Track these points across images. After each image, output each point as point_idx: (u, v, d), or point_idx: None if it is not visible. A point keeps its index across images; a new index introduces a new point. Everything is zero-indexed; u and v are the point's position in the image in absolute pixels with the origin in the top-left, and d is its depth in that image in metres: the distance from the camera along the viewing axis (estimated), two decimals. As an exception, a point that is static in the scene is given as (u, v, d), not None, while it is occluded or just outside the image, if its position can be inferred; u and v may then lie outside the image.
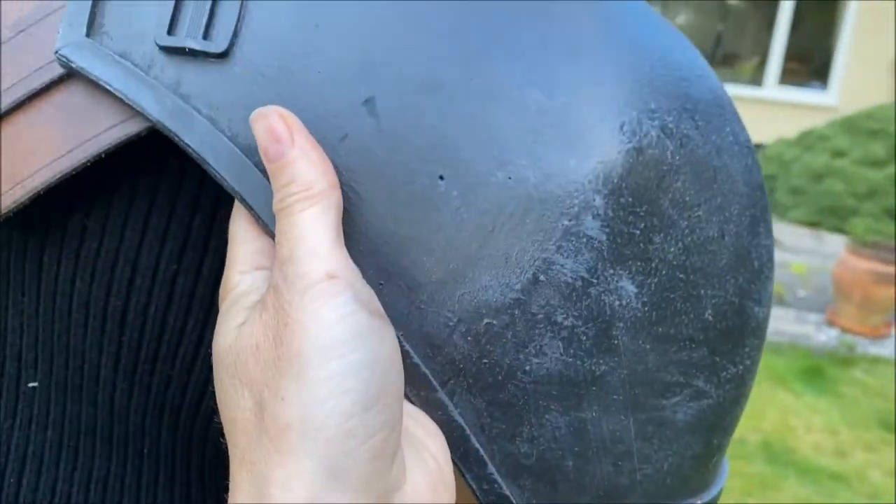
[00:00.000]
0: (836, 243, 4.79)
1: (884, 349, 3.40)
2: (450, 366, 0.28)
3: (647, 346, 0.29)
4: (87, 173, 0.29)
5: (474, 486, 0.28)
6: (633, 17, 0.30)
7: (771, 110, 6.57)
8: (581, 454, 0.29)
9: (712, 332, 0.30)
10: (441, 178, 0.27)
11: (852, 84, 6.44)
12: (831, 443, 2.63)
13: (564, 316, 0.27)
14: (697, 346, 0.30)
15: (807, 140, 5.59)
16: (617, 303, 0.28)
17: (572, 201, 0.27)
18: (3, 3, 0.29)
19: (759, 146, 6.04)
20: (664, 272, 0.28)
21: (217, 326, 0.27)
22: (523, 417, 0.28)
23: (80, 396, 0.33)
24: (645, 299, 0.28)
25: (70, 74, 0.28)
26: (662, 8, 7.46)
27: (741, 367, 0.32)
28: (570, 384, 0.28)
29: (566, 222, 0.27)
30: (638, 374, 0.29)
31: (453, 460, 0.28)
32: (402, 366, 0.26)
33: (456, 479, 0.28)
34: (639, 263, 0.28)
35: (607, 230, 0.27)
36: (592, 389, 0.28)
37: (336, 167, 0.27)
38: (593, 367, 0.28)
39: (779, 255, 4.52)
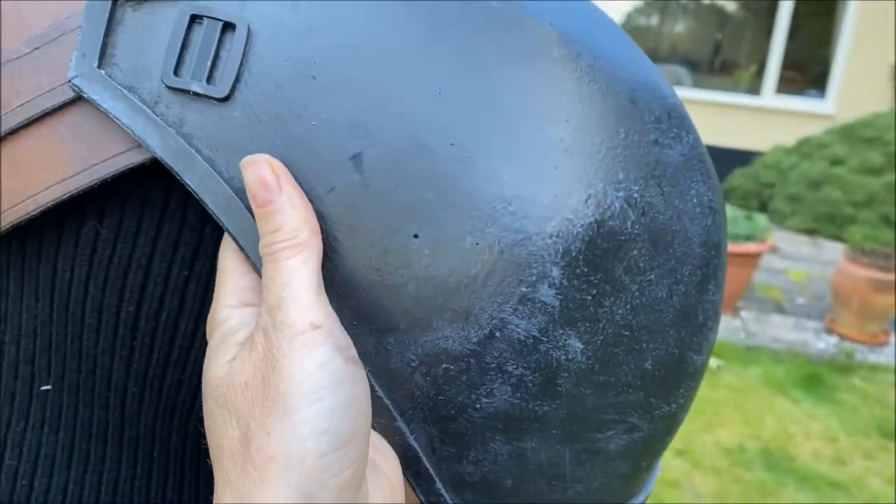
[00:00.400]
0: (834, 250, 4.80)
1: (882, 357, 3.41)
2: (409, 399, 0.31)
3: (588, 392, 0.31)
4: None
5: (423, 499, 0.33)
6: (609, 54, 0.31)
7: (769, 118, 6.59)
8: (519, 475, 0.33)
9: (650, 379, 0.33)
10: (416, 236, 0.29)
11: (850, 92, 6.46)
12: (830, 450, 2.63)
13: (515, 366, 0.30)
14: (635, 390, 0.32)
15: (805, 148, 5.61)
16: (563, 357, 0.30)
17: (531, 271, 0.29)
18: (17, 20, 0.30)
19: (756, 154, 6.06)
20: (610, 331, 0.31)
21: (207, 359, 0.29)
22: (470, 444, 0.32)
23: (92, 399, 0.34)
24: (590, 353, 0.31)
25: (82, 97, 0.30)
26: (661, 16, 7.49)
27: (674, 406, 0.35)
28: (515, 420, 0.31)
29: (524, 289, 0.29)
30: (577, 414, 0.32)
31: (406, 478, 0.32)
32: (370, 406, 0.29)
33: (407, 493, 0.32)
34: (587, 324, 0.30)
35: (561, 297, 0.30)
36: (534, 425, 0.31)
37: (322, 217, 0.29)
38: (536, 408, 0.31)
39: (777, 263, 4.53)
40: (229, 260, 0.30)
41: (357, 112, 0.29)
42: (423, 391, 0.31)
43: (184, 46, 0.30)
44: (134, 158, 0.30)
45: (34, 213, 0.30)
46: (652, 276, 0.31)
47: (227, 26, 0.30)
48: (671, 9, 7.50)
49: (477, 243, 0.29)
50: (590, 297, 0.30)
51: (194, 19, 0.30)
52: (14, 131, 0.29)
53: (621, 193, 0.30)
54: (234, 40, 0.30)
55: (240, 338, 0.29)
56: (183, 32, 0.30)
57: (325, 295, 0.29)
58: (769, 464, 2.51)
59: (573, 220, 0.29)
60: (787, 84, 6.85)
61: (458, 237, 0.29)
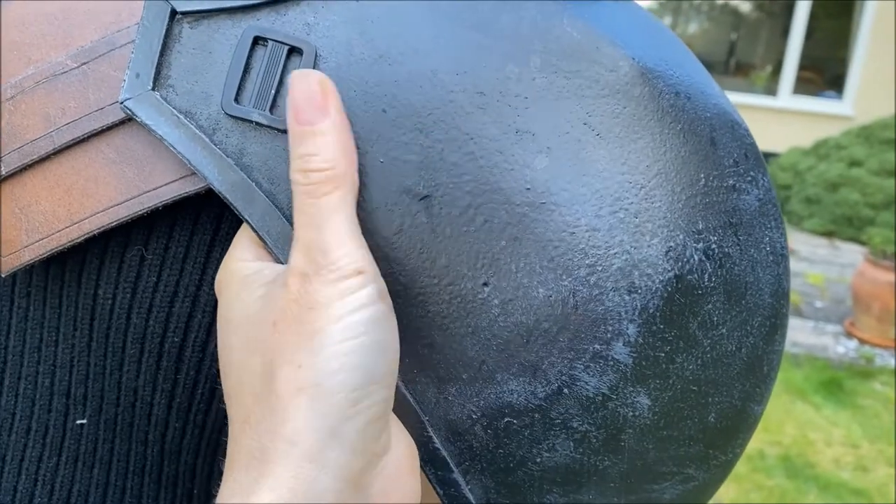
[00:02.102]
0: (852, 253, 4.76)
1: (903, 361, 3.37)
2: (468, 451, 0.30)
3: (650, 447, 0.30)
4: None
5: None
6: (689, 90, 0.30)
7: (785, 120, 6.55)
8: None
9: (711, 432, 0.32)
10: (485, 284, 0.28)
11: (868, 93, 6.41)
12: (852, 457, 2.60)
13: (580, 423, 0.29)
14: (695, 443, 0.31)
15: (822, 149, 5.57)
16: (630, 414, 0.29)
17: (606, 328, 0.28)
18: (62, 30, 0.28)
19: (773, 155, 6.02)
20: (679, 386, 0.30)
21: (229, 297, 0.28)
22: (527, 497, 0.31)
23: (130, 435, 0.32)
24: (657, 409, 0.30)
25: (132, 117, 0.28)
26: (674, 16, 7.46)
27: (731, 455, 0.34)
28: (574, 475, 0.30)
29: (597, 346, 0.28)
30: (636, 468, 0.31)
31: None
32: (398, 348, 0.28)
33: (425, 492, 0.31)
34: (658, 381, 0.29)
35: (635, 355, 0.28)
36: (593, 479, 0.30)
37: (386, 259, 0.28)
38: (597, 463, 0.30)
39: (795, 265, 4.49)
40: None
41: (429, 150, 0.27)
42: (483, 443, 0.29)
43: (245, 70, 0.28)
44: (187, 187, 0.28)
45: (77, 240, 0.28)
46: (724, 330, 0.30)
47: (293, 50, 0.28)
48: (684, 9, 7.47)
49: (550, 296, 0.28)
50: (663, 355, 0.29)
51: (257, 41, 0.28)
52: (58, 151, 0.27)
53: (700, 245, 0.29)
54: (301, 66, 0.28)
55: (266, 277, 0.28)
56: (245, 55, 0.28)
57: (362, 236, 0.27)
58: (790, 471, 2.49)
59: (652, 276, 0.28)
60: (804, 85, 6.81)
61: (530, 288, 0.28)
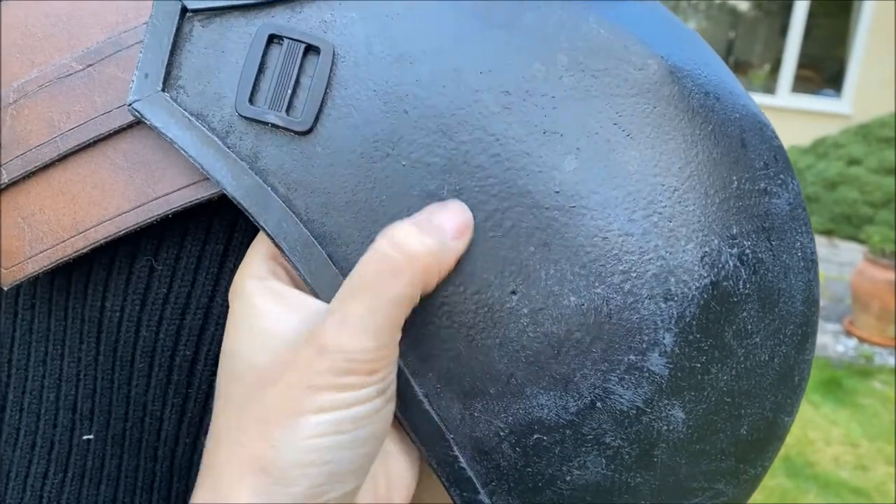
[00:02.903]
0: (851, 252, 4.76)
1: (903, 360, 3.37)
2: (494, 470, 0.28)
3: (683, 462, 0.29)
4: None
5: None
6: (717, 90, 0.29)
7: (784, 118, 6.53)
8: None
9: (743, 445, 0.31)
10: (513, 292, 0.26)
11: (866, 92, 6.40)
12: (852, 456, 2.60)
13: (613, 438, 0.28)
14: (727, 457, 0.30)
15: (820, 148, 5.56)
16: (665, 428, 0.28)
17: (642, 337, 0.27)
18: (67, 31, 0.27)
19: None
20: (713, 398, 0.29)
21: (236, 321, 0.26)
22: None
23: (139, 450, 0.31)
24: (690, 423, 0.28)
25: (140, 121, 0.27)
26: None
27: (760, 469, 0.33)
28: (605, 492, 0.29)
29: (632, 357, 0.27)
30: (668, 484, 0.29)
31: None
32: (384, 438, 0.27)
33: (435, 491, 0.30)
34: (693, 393, 0.28)
35: (671, 366, 0.27)
36: (624, 497, 0.29)
37: None
38: (629, 480, 0.29)
39: (794, 265, 4.48)
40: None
41: (453, 152, 0.26)
42: (511, 462, 0.28)
43: (260, 70, 0.27)
44: (199, 193, 0.27)
45: (83, 250, 0.27)
46: (758, 339, 0.29)
47: (310, 49, 0.27)
48: (682, 7, 7.46)
49: (582, 304, 0.26)
50: (699, 365, 0.27)
51: (272, 39, 0.27)
52: (63, 158, 0.26)
53: (735, 250, 0.27)
54: (318, 65, 0.27)
55: (273, 324, 0.26)
56: (260, 54, 0.26)
57: (401, 333, 0.26)
58: (790, 470, 2.48)
59: (689, 283, 0.27)
60: (803, 83, 6.79)
61: (561, 296, 0.26)
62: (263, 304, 0.26)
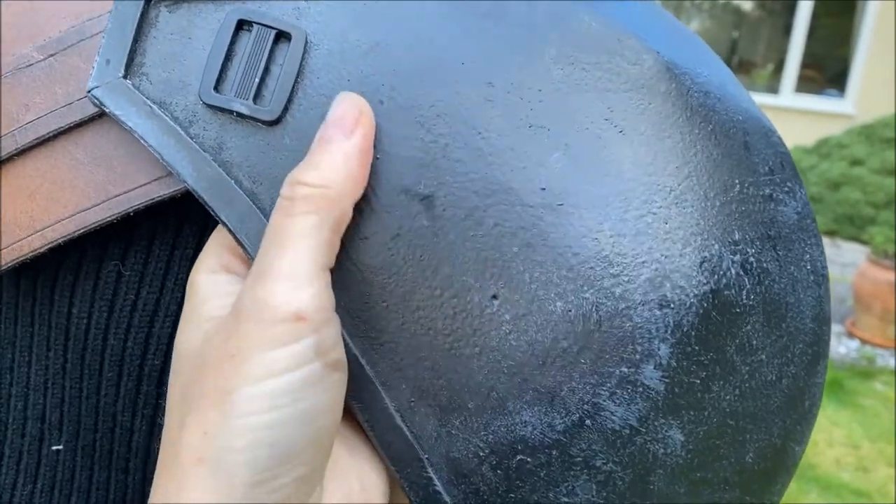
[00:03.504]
0: (854, 252, 4.74)
1: (905, 362, 3.35)
2: (473, 495, 0.26)
3: (682, 491, 0.27)
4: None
5: None
6: (718, 90, 0.27)
7: (787, 118, 6.52)
8: None
9: (748, 474, 0.28)
10: (494, 297, 0.24)
11: (869, 92, 6.38)
12: (853, 457, 2.59)
13: (604, 461, 0.25)
14: (731, 487, 0.28)
15: (824, 148, 5.54)
16: (661, 451, 0.26)
17: (635, 347, 0.24)
18: (31, 20, 0.26)
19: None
20: (715, 420, 0.26)
21: (184, 318, 0.25)
22: None
23: (109, 462, 0.30)
24: (690, 447, 0.26)
25: (102, 114, 0.25)
26: (676, 14, 7.43)
27: (768, 503, 0.30)
28: None
29: (624, 369, 0.25)
30: None
31: None
32: (339, 417, 0.24)
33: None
34: (692, 413, 0.26)
35: (667, 381, 0.25)
36: None
37: (382, 267, 0.25)
38: None
39: (796, 265, 4.47)
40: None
41: (431, 146, 0.25)
42: (492, 487, 0.26)
43: (227, 57, 0.25)
44: (162, 190, 0.25)
45: (41, 250, 0.25)
46: (763, 356, 0.26)
47: (281, 35, 0.25)
48: (686, 7, 7.44)
49: (570, 310, 0.24)
50: (698, 381, 0.25)
51: (242, 25, 0.25)
52: (21, 152, 0.25)
53: (737, 257, 0.25)
54: (289, 53, 0.25)
55: (212, 310, 0.24)
56: (228, 40, 0.25)
57: (328, 275, 0.24)
58: (791, 471, 2.47)
59: (686, 289, 0.25)
60: (806, 83, 6.77)
61: (547, 301, 0.24)
62: (211, 299, 0.24)
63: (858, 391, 3.06)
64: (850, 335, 3.58)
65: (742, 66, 7.33)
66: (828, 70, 6.89)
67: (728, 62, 7.40)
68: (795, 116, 6.55)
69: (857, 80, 6.54)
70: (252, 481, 0.22)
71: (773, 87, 6.94)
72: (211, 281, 0.25)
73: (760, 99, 6.68)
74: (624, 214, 0.25)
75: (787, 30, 6.82)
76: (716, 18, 7.55)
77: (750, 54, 7.41)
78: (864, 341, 3.50)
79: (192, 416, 0.23)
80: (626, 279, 0.24)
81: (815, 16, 6.66)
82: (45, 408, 0.30)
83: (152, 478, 0.30)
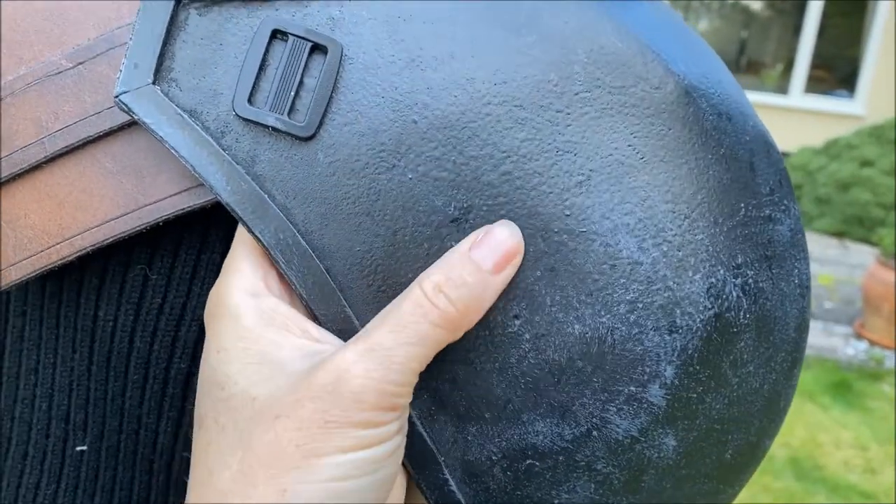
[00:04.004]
0: (863, 253, 4.72)
1: (914, 364, 3.34)
2: (483, 492, 0.28)
3: (668, 486, 0.29)
4: None
5: None
6: (729, 110, 0.28)
7: (796, 119, 6.50)
8: None
9: (725, 469, 0.30)
10: (516, 317, 0.25)
11: (880, 92, 6.35)
12: (861, 459, 2.58)
13: (605, 465, 0.27)
14: (709, 480, 0.30)
15: (833, 149, 5.52)
16: (655, 455, 0.28)
17: (644, 369, 0.26)
18: (58, 27, 0.26)
19: (784, 155, 5.97)
20: (704, 426, 0.28)
21: (225, 346, 0.24)
22: None
23: (133, 463, 0.30)
24: (680, 450, 0.28)
25: (132, 122, 0.25)
26: (685, 14, 7.41)
27: (737, 488, 0.32)
28: None
29: (633, 388, 0.26)
30: None
31: None
32: (400, 476, 0.26)
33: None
34: (686, 422, 0.28)
35: (669, 397, 0.27)
36: None
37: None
38: (615, 503, 0.28)
39: (804, 266, 4.45)
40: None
41: (462, 168, 0.25)
42: (501, 486, 0.27)
43: (261, 68, 0.25)
44: (192, 201, 0.25)
45: (69, 258, 0.25)
46: (752, 368, 0.28)
47: (316, 48, 0.25)
48: (695, 7, 7.41)
49: (586, 333, 0.25)
50: (695, 396, 0.27)
51: (276, 35, 0.25)
52: (50, 160, 0.25)
53: (739, 280, 0.27)
54: (325, 66, 0.25)
55: (276, 351, 0.24)
56: (262, 50, 0.25)
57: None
58: (798, 473, 2.46)
59: (694, 315, 0.26)
60: (816, 83, 6.75)
61: (566, 324, 0.25)
62: (259, 328, 0.24)
63: (866, 393, 3.05)
64: (859, 337, 3.56)
65: (751, 67, 7.31)
66: (838, 70, 6.86)
67: (737, 62, 7.38)
68: (805, 117, 6.53)
69: (867, 81, 6.51)
70: None
71: (782, 88, 6.91)
72: (255, 307, 0.24)
73: (769, 99, 6.67)
74: (642, 243, 0.25)
75: (796, 30, 6.79)
76: (725, 18, 7.52)
77: (759, 54, 7.39)
78: (872, 343, 3.49)
79: (263, 472, 0.22)
80: (640, 306, 0.26)
81: (826, 16, 6.63)
82: (70, 409, 0.30)
83: (177, 479, 0.30)
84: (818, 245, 4.98)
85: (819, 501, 2.33)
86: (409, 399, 0.24)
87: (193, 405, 0.29)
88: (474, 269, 0.24)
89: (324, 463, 0.22)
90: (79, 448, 0.30)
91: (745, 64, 7.35)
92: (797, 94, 6.74)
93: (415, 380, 0.24)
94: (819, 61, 6.75)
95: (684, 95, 0.26)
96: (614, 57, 0.26)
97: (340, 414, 0.22)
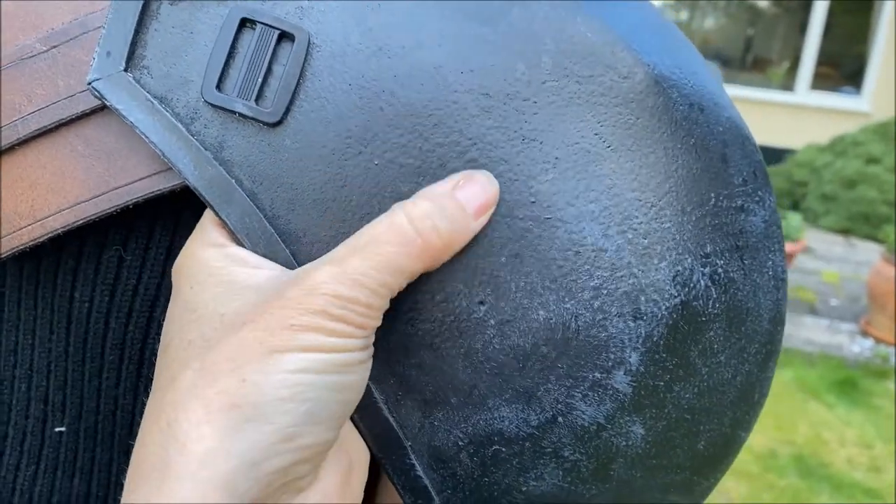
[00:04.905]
0: (869, 251, 4.71)
1: (919, 361, 3.33)
2: (450, 478, 0.28)
3: (638, 475, 0.29)
4: None
5: None
6: (702, 100, 0.28)
7: (802, 116, 6.48)
8: None
9: (699, 460, 0.30)
10: (482, 303, 0.26)
11: (886, 89, 6.33)
12: (866, 457, 2.57)
13: (572, 452, 0.27)
14: (682, 471, 0.30)
15: (839, 146, 5.51)
16: (623, 443, 0.28)
17: (608, 355, 0.26)
18: (34, 10, 0.26)
19: (789, 152, 5.95)
20: (674, 415, 0.28)
21: (198, 286, 0.25)
22: None
23: (111, 444, 0.30)
24: (649, 439, 0.28)
25: (104, 106, 0.26)
26: (691, 12, 7.40)
27: (713, 480, 0.32)
28: (559, 503, 0.29)
29: (597, 374, 0.26)
30: (622, 496, 0.29)
31: None
32: (359, 398, 0.26)
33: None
34: (654, 410, 0.28)
35: (634, 384, 0.27)
36: None
37: None
38: (584, 492, 0.28)
39: (810, 263, 4.45)
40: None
41: (428, 154, 0.25)
42: (468, 471, 0.27)
43: (230, 55, 0.25)
44: (162, 184, 0.26)
45: (41, 239, 0.26)
46: (722, 358, 0.28)
47: (284, 36, 0.25)
48: (701, 5, 7.40)
49: (551, 319, 0.26)
50: (662, 384, 0.27)
51: (245, 23, 0.25)
52: (23, 142, 0.25)
53: (707, 269, 0.27)
54: (292, 54, 0.25)
55: (250, 278, 0.25)
56: (231, 38, 0.25)
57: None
58: (802, 470, 2.46)
59: (659, 302, 0.26)
60: (822, 80, 6.73)
61: (530, 310, 0.26)
62: (230, 266, 0.25)
63: (872, 391, 3.04)
64: (865, 334, 3.56)
65: (757, 64, 7.30)
66: (844, 67, 6.84)
67: (743, 59, 7.36)
68: (811, 114, 6.51)
69: (873, 78, 6.49)
70: (281, 434, 0.23)
71: (788, 85, 6.90)
72: (223, 254, 0.25)
73: (775, 96, 6.65)
74: (606, 230, 0.26)
75: (802, 27, 6.77)
76: (731, 16, 7.50)
77: (765, 51, 7.37)
78: (878, 340, 3.48)
79: (224, 365, 0.23)
80: (604, 292, 0.26)
81: (832, 13, 6.61)
82: (49, 390, 0.30)
83: None
84: (823, 242, 4.96)
85: (823, 499, 2.33)
86: (379, 322, 0.25)
87: None
88: (459, 208, 0.24)
89: (285, 358, 0.23)
90: (57, 429, 0.31)
91: (751, 61, 7.34)
92: (803, 91, 6.72)
93: (385, 305, 0.24)
94: (825, 58, 6.73)
95: (654, 85, 0.26)
96: (583, 47, 0.26)
97: (307, 320, 0.23)
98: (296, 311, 0.23)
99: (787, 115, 6.49)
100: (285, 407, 0.23)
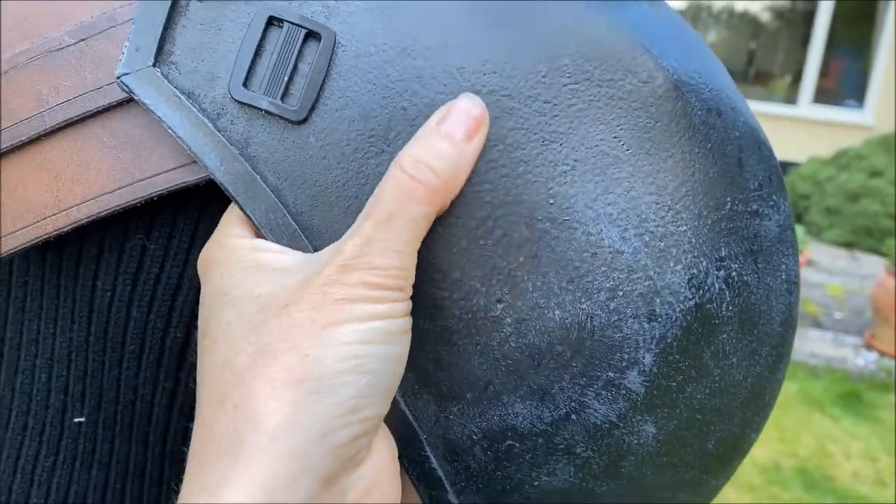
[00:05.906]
0: (872, 264, 4.71)
1: (924, 375, 3.32)
2: (464, 471, 0.28)
3: (648, 473, 0.29)
4: None
5: None
6: (720, 105, 0.28)
7: (805, 129, 6.49)
8: None
9: (708, 459, 0.31)
10: (499, 301, 0.26)
11: (888, 102, 6.34)
12: (871, 470, 2.56)
13: (584, 449, 0.28)
14: (692, 469, 0.30)
15: (842, 159, 5.51)
16: (635, 442, 0.28)
17: (622, 355, 0.27)
18: (65, 6, 0.27)
19: (793, 165, 5.96)
20: (685, 415, 0.29)
21: (228, 272, 0.25)
22: None
23: (130, 435, 0.31)
24: (660, 438, 0.29)
25: (130, 99, 0.26)
26: (693, 24, 7.42)
27: (722, 480, 0.33)
28: (570, 498, 0.29)
29: (611, 374, 0.27)
30: (632, 493, 0.30)
31: None
32: (403, 371, 0.26)
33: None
34: (666, 410, 0.28)
35: (647, 384, 0.27)
36: (588, 503, 0.29)
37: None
38: (595, 488, 0.29)
39: (814, 276, 4.44)
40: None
41: None
42: (481, 465, 0.28)
43: (257, 53, 0.26)
44: (187, 177, 0.26)
45: (65, 229, 0.26)
46: (734, 360, 0.29)
47: (311, 35, 0.26)
48: (703, 18, 7.43)
49: (566, 319, 0.26)
50: (674, 384, 0.28)
51: (272, 22, 0.26)
52: (49, 133, 0.26)
53: (721, 273, 0.27)
54: (318, 53, 0.26)
55: (279, 262, 0.25)
56: (258, 36, 0.26)
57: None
58: (807, 483, 2.45)
59: (674, 304, 0.26)
60: (825, 94, 6.74)
61: (546, 309, 0.26)
62: (257, 253, 0.25)
63: (877, 404, 3.03)
64: (869, 347, 3.55)
65: (759, 77, 7.31)
66: (846, 81, 6.85)
67: (745, 73, 7.37)
68: (813, 127, 6.52)
69: (875, 91, 6.50)
70: (345, 405, 0.23)
71: (790, 98, 6.91)
72: (250, 245, 0.26)
73: (778, 109, 6.66)
74: (624, 232, 0.26)
75: (805, 40, 6.79)
76: (734, 29, 7.53)
77: (768, 65, 7.39)
78: (882, 353, 3.47)
79: (280, 344, 0.24)
80: (620, 294, 0.26)
81: (834, 26, 6.63)
82: (69, 380, 0.30)
83: (171, 451, 0.30)
84: (827, 255, 4.96)
85: (828, 512, 2.32)
86: (413, 279, 0.25)
87: (188, 377, 0.29)
88: (448, 139, 0.25)
89: (342, 330, 0.24)
90: (77, 420, 0.31)
91: (753, 75, 7.36)
92: (806, 105, 6.73)
93: (414, 260, 0.25)
94: (827, 72, 6.74)
95: (673, 90, 0.27)
96: (604, 50, 0.26)
97: (351, 292, 0.24)
98: (338, 287, 0.24)
99: (789, 129, 6.49)
100: (346, 379, 0.23)
